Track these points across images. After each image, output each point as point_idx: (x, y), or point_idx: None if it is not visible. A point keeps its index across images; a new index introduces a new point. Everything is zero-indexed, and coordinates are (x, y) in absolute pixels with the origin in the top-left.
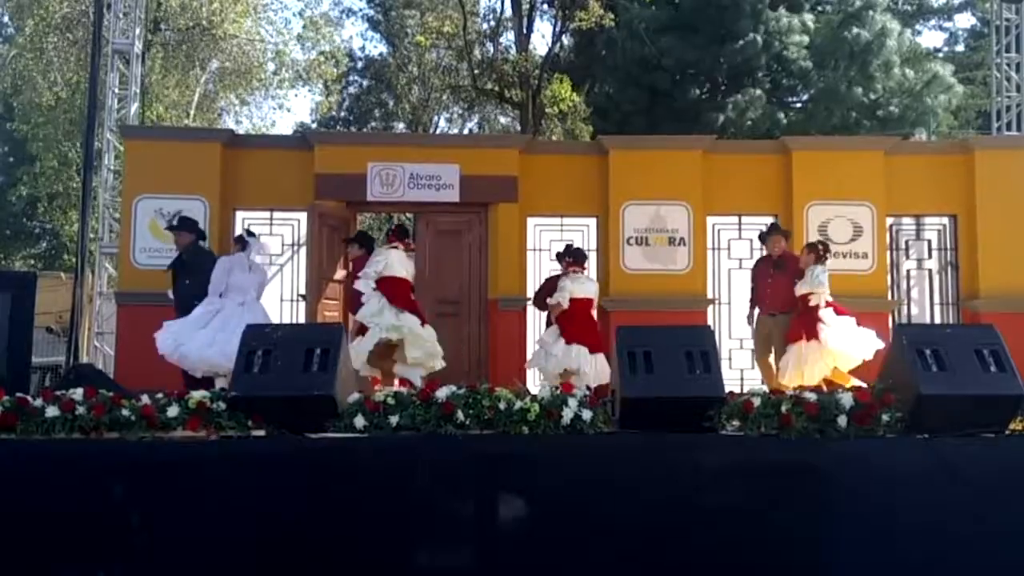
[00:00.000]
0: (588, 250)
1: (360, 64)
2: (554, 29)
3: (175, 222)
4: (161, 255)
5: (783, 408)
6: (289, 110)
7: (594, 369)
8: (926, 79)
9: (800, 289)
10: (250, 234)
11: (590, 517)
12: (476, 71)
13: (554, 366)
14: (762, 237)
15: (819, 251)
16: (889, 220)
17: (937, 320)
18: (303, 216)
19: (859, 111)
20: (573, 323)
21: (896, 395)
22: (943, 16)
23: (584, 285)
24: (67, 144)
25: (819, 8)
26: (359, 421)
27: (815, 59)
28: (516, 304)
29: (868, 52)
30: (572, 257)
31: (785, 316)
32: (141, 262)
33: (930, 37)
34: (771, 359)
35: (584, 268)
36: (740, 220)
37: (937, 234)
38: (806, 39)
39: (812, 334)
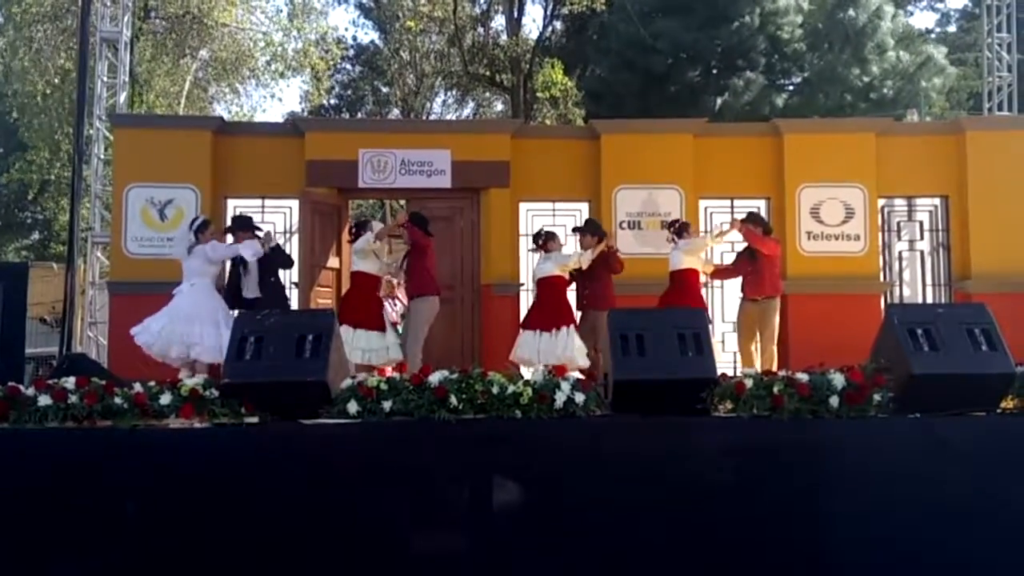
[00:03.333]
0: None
1: (351, 51)
2: (545, 13)
3: (232, 223)
4: (153, 244)
5: (775, 389)
6: (280, 100)
7: (549, 345)
8: (919, 61)
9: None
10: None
11: (584, 500)
12: (467, 56)
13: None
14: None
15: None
16: (881, 201)
17: (929, 301)
18: (294, 204)
19: (854, 93)
20: (532, 307)
21: (888, 375)
22: None
23: (541, 266)
24: (59, 133)
25: None
26: (352, 407)
27: (810, 41)
28: (509, 289)
29: (863, 34)
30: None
31: (768, 301)
32: (133, 251)
33: (922, 18)
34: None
35: (548, 248)
36: (732, 203)
37: (929, 215)
38: (800, 19)
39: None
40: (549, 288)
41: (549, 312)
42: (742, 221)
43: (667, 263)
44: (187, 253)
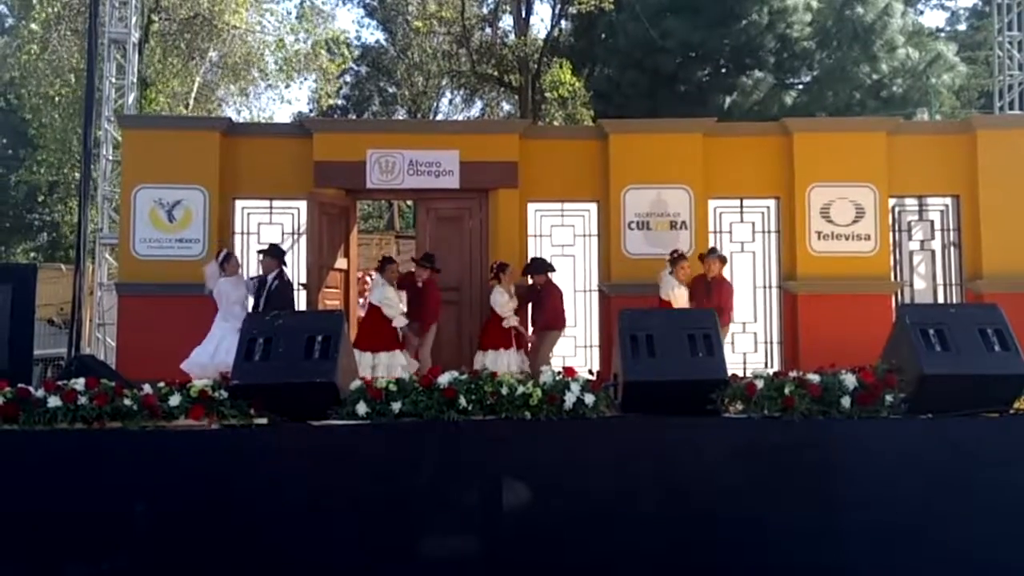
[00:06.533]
0: (588, 235)
1: (357, 52)
2: (553, 12)
3: (266, 247)
4: (161, 245)
5: (786, 390)
6: (290, 102)
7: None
8: (929, 58)
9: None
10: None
11: (595, 501)
12: (475, 56)
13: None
14: (701, 257)
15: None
16: (892, 201)
17: (941, 301)
18: (302, 205)
19: (863, 91)
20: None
21: (900, 376)
22: None
23: (492, 296)
24: (70, 133)
25: None
26: (361, 408)
27: (819, 39)
28: (517, 290)
29: (871, 32)
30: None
31: None
32: (141, 252)
33: (932, 17)
34: None
35: (500, 279)
36: (742, 203)
37: (940, 215)
38: (809, 18)
39: None
40: (495, 316)
41: (489, 335)
42: (707, 257)
43: None
44: (215, 286)
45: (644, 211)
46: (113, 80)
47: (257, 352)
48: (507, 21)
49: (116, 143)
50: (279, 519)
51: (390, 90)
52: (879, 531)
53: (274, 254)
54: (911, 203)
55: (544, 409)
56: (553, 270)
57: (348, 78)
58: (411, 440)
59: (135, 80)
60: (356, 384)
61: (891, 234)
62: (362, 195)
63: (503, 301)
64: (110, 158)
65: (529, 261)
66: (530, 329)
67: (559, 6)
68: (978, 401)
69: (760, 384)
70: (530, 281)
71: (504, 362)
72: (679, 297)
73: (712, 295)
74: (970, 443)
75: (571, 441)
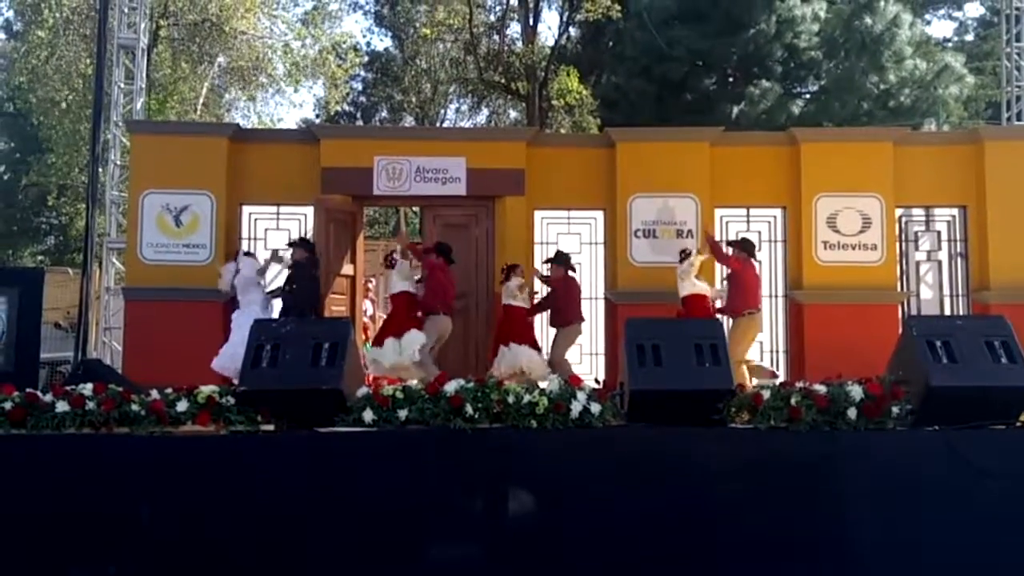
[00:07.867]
0: (595, 243)
1: (366, 58)
2: (561, 20)
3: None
4: (168, 250)
5: (793, 401)
6: (300, 106)
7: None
8: (937, 69)
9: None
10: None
11: (600, 511)
12: (482, 64)
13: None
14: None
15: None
16: (898, 211)
17: (947, 312)
18: (309, 211)
19: (870, 101)
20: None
21: (906, 387)
22: (952, 5)
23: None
24: (78, 137)
25: None
26: (368, 415)
27: (826, 49)
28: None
29: (879, 42)
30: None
31: (734, 319)
32: (148, 257)
33: (940, 27)
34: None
35: (510, 278)
36: (748, 212)
37: (947, 225)
38: (817, 28)
39: None
40: (511, 312)
41: (509, 331)
42: (728, 243)
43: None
44: (232, 283)
45: (650, 219)
46: (122, 85)
47: (264, 359)
48: (515, 29)
49: (124, 148)
50: (285, 525)
51: (397, 97)
52: (884, 542)
53: (299, 244)
54: (918, 213)
55: (550, 418)
56: (572, 268)
57: (356, 84)
58: (417, 448)
59: (143, 85)
60: (363, 391)
61: (898, 244)
62: (369, 201)
63: (512, 286)
64: (118, 163)
65: (554, 253)
66: (551, 329)
67: (567, 14)
68: (984, 413)
69: (766, 394)
70: (545, 273)
71: (525, 356)
72: (692, 267)
73: (729, 279)
74: (976, 455)
75: (576, 450)
